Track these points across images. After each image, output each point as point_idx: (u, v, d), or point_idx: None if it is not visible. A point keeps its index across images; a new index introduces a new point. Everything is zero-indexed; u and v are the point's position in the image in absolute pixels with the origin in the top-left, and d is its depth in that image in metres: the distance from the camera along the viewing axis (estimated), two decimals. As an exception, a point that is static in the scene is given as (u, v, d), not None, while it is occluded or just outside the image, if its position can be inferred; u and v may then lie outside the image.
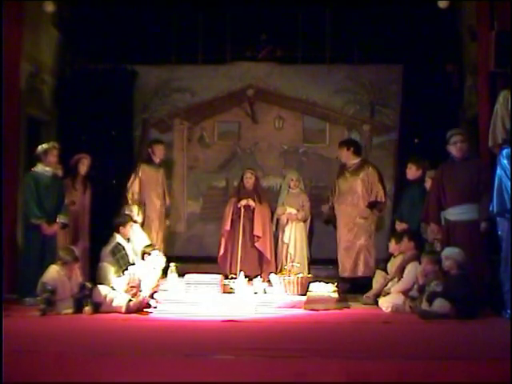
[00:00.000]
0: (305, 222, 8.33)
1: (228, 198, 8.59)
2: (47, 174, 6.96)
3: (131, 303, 6.17)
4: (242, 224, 8.07)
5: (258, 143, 9.54)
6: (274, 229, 8.34)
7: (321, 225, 9.00)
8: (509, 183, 5.68)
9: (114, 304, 6.17)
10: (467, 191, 6.46)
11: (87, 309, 6.06)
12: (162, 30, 9.35)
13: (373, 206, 7.96)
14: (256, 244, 8.09)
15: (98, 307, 6.15)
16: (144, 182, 8.24)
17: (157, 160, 8.38)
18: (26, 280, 6.65)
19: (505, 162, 5.76)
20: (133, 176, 8.24)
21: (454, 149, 6.58)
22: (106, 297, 6.22)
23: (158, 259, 6.92)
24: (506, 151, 5.82)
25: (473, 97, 8.14)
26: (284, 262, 7.94)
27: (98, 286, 6.35)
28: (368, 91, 9.40)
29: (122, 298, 6.20)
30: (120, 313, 6.10)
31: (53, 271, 6.08)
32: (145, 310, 6.32)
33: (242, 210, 8.12)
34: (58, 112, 9.17)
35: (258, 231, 8.09)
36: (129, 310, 6.13)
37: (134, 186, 8.18)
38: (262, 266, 8.08)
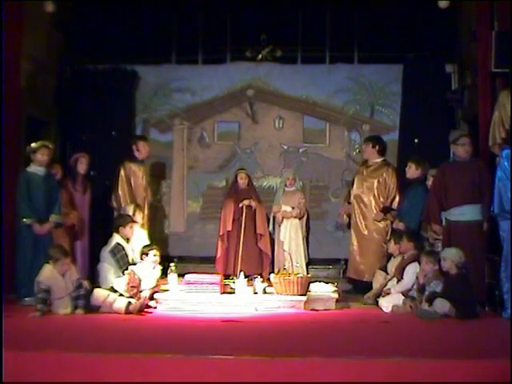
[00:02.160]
0: (300, 219, 8.31)
1: (224, 199, 8.53)
2: (40, 174, 6.92)
3: (131, 307, 6.14)
4: (244, 224, 8.07)
5: (258, 143, 9.54)
6: (270, 227, 8.35)
7: (320, 224, 9.01)
8: (509, 184, 5.68)
9: (114, 307, 6.15)
10: (468, 192, 6.47)
11: (78, 311, 6.02)
12: (162, 30, 9.34)
13: (387, 210, 7.81)
14: (259, 243, 8.10)
15: (94, 309, 6.13)
16: (130, 180, 8.08)
17: (140, 157, 8.19)
18: (21, 280, 6.66)
19: (505, 163, 5.77)
20: (120, 176, 8.00)
21: (461, 150, 6.59)
22: (105, 299, 6.20)
23: (155, 259, 6.91)
24: (505, 152, 5.82)
25: (473, 97, 8.14)
26: (281, 261, 7.96)
27: (96, 289, 6.30)
28: (368, 91, 9.40)
29: (122, 301, 6.18)
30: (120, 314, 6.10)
31: (46, 270, 6.05)
32: (145, 310, 6.33)
33: (244, 209, 8.12)
34: (58, 112, 9.18)
35: (261, 230, 8.12)
36: (129, 313, 6.12)
37: (123, 186, 8.00)
38: (262, 264, 8.08)
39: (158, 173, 9.30)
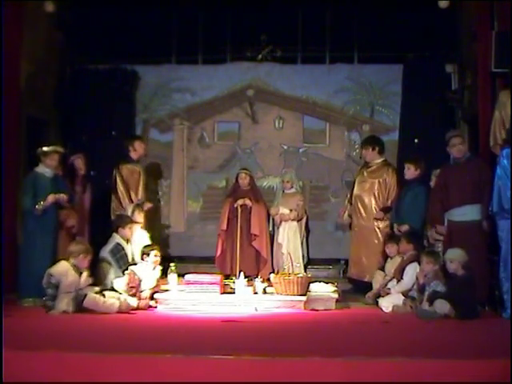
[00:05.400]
0: (298, 221, 8.29)
1: (224, 198, 8.55)
2: (47, 175, 6.96)
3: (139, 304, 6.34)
4: (239, 223, 8.06)
5: (258, 143, 9.53)
6: (270, 228, 8.34)
7: (320, 224, 9.00)
8: (509, 183, 5.69)
9: (130, 304, 6.26)
10: (470, 192, 6.49)
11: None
12: (162, 30, 9.34)
13: (387, 210, 7.75)
14: (253, 243, 8.08)
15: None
16: (128, 182, 8.03)
17: (136, 157, 8.12)
18: (24, 281, 6.67)
19: (505, 162, 5.78)
20: (117, 178, 8.00)
21: (455, 150, 6.67)
22: (119, 299, 6.23)
23: (155, 259, 6.91)
24: (505, 151, 5.84)
25: (473, 97, 8.15)
26: (279, 262, 7.96)
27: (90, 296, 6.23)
28: (368, 91, 9.39)
29: (133, 301, 6.33)
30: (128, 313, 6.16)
31: (61, 264, 6.10)
32: (145, 309, 6.35)
33: (239, 209, 8.11)
34: (58, 112, 9.18)
35: (255, 230, 8.07)
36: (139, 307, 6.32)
37: (120, 187, 7.98)
38: (259, 265, 8.07)
39: (156, 172, 9.28)
